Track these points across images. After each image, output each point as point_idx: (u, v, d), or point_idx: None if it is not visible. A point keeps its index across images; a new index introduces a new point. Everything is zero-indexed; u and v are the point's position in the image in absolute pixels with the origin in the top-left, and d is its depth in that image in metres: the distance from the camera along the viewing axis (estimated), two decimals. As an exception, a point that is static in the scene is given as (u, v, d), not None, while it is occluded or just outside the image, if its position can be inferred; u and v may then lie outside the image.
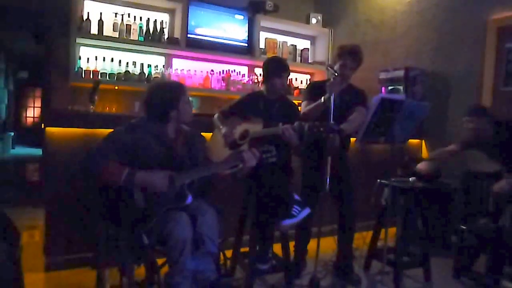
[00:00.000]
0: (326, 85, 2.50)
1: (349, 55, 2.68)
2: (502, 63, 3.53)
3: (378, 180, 2.83)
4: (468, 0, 3.83)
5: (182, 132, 2.17)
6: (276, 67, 2.61)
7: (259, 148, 2.14)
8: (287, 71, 2.64)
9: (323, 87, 2.61)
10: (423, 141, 4.18)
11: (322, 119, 2.32)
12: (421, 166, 3.03)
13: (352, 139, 2.86)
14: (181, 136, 2.15)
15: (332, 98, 2.36)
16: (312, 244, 2.92)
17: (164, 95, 2.05)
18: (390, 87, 4.18)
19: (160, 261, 2.10)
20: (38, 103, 10.58)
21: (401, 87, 4.03)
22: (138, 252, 1.95)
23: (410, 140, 4.04)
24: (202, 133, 2.39)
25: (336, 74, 2.47)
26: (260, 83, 4.54)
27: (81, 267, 2.67)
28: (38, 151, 6.42)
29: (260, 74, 4.80)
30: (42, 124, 2.76)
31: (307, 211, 2.41)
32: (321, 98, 2.53)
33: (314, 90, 2.78)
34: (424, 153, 4.14)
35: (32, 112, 10.73)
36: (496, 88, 3.57)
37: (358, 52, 2.72)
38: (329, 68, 2.59)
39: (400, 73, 4.05)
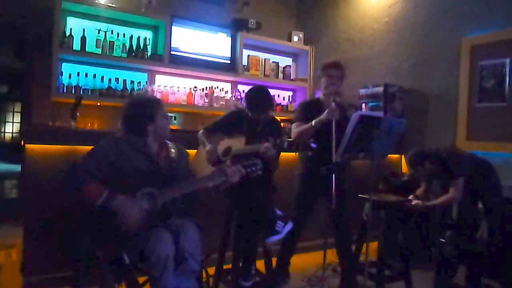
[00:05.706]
0: (326, 112, 2.54)
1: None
2: (476, 80, 3.66)
3: (359, 195, 2.87)
4: (443, 20, 3.99)
5: (165, 147, 2.18)
6: (257, 103, 2.60)
7: (244, 161, 2.13)
8: (270, 108, 2.63)
9: (315, 105, 2.70)
10: (402, 156, 4.27)
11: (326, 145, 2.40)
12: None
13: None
14: (164, 151, 2.16)
15: (333, 124, 2.42)
16: (295, 259, 2.93)
17: (141, 109, 2.08)
18: (371, 104, 4.28)
19: (141, 279, 2.07)
20: (17, 119, 10.37)
21: (381, 104, 4.13)
22: (119, 271, 1.92)
23: (390, 155, 4.12)
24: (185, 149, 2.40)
25: (335, 101, 2.53)
26: (242, 100, 4.59)
27: (60, 287, 2.61)
28: (16, 167, 6.27)
29: (243, 91, 4.88)
30: (22, 140, 2.71)
31: (290, 225, 2.43)
32: (311, 122, 2.58)
33: (306, 110, 2.79)
34: (404, 167, 4.22)
35: (11, 128, 10.51)
36: (471, 104, 3.69)
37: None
38: (332, 97, 2.60)
39: (380, 89, 4.16)
